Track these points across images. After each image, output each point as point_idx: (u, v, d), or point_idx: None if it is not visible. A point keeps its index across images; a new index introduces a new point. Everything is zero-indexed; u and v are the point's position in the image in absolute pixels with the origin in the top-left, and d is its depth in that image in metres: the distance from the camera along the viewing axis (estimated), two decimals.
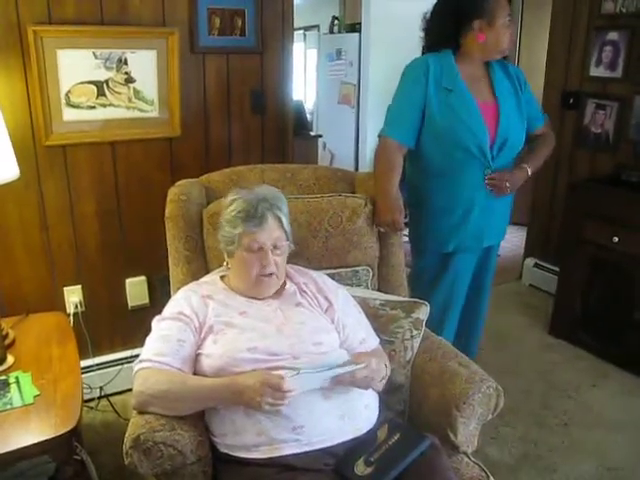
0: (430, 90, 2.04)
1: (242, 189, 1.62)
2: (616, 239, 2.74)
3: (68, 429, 1.45)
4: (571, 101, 3.41)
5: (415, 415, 1.70)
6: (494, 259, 2.42)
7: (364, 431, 1.45)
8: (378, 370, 1.51)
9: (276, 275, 1.57)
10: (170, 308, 1.55)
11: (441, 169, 2.11)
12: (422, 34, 2.20)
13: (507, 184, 2.12)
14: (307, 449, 1.36)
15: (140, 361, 1.44)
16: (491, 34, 2.04)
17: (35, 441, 1.42)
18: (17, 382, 1.65)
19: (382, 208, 2.01)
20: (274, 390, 1.30)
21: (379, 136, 2.15)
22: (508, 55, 2.20)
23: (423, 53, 2.19)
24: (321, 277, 1.71)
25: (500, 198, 2.17)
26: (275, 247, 1.55)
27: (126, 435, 1.35)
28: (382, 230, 2.03)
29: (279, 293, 1.61)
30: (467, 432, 1.59)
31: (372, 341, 1.65)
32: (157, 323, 1.53)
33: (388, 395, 1.67)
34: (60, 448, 1.48)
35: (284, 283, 1.64)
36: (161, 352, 1.43)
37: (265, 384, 1.30)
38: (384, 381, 1.58)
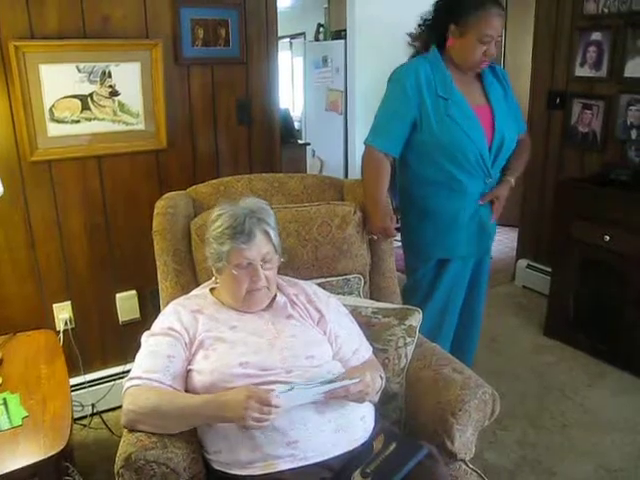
0: (425, 101, 2.00)
1: (227, 203, 1.59)
2: (607, 238, 2.74)
3: (57, 450, 1.43)
4: (557, 101, 3.42)
5: (411, 423, 1.68)
6: (488, 262, 2.41)
7: (360, 443, 1.43)
8: (373, 383, 1.48)
9: (267, 288, 1.55)
10: (159, 323, 1.53)
11: (444, 179, 2.08)
12: (417, 28, 2.18)
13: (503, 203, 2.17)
14: (303, 464, 1.34)
15: (130, 379, 1.42)
16: (458, 43, 2.00)
17: (24, 464, 1.40)
18: (5, 404, 1.62)
19: (373, 215, 1.99)
20: (262, 404, 1.27)
21: (365, 143, 2.12)
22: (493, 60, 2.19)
23: (415, 49, 2.17)
24: (311, 287, 1.69)
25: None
26: (264, 261, 1.53)
27: (117, 454, 1.33)
28: (375, 238, 2.01)
29: (270, 305, 1.59)
30: (464, 439, 1.57)
31: (365, 351, 1.63)
32: (146, 339, 1.51)
33: (383, 404, 1.64)
34: (50, 470, 1.45)
35: (274, 295, 1.61)
36: (151, 369, 1.41)
37: (252, 398, 1.28)
38: (379, 393, 1.56)
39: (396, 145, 2.08)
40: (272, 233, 1.55)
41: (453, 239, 2.18)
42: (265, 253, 1.52)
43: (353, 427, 1.44)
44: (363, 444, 1.43)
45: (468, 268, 2.29)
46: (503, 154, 2.12)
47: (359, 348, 1.61)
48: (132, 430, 1.37)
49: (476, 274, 2.34)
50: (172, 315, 1.53)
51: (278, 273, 1.63)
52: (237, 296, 1.54)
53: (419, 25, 2.16)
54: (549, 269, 3.33)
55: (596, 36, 3.13)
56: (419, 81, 2.01)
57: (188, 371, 1.45)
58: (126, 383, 1.42)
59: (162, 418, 1.36)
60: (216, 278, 1.60)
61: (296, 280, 1.72)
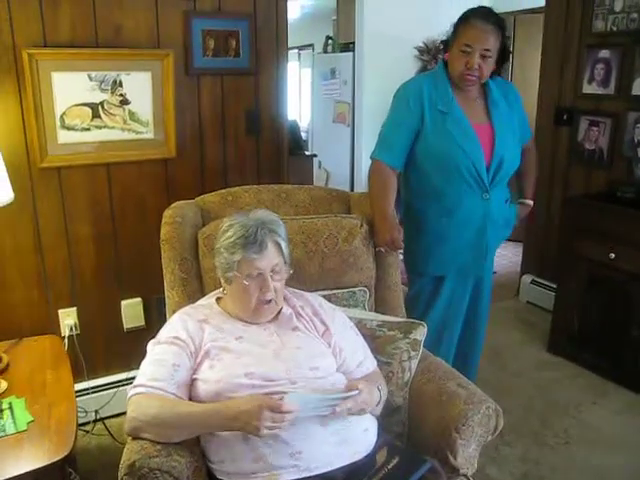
0: (425, 114, 2.05)
1: (238, 214, 1.60)
2: (612, 255, 2.74)
3: (61, 456, 1.43)
4: (565, 118, 3.43)
5: (414, 437, 1.68)
6: (490, 277, 2.40)
7: (363, 455, 1.43)
8: (371, 396, 1.47)
9: (275, 301, 1.55)
10: (165, 332, 1.54)
11: (438, 193, 2.11)
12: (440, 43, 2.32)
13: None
14: (305, 475, 1.34)
15: (134, 386, 1.43)
16: (449, 55, 2.08)
17: (27, 469, 1.40)
18: (10, 408, 1.63)
19: (380, 228, 2.00)
20: (273, 412, 1.27)
21: (371, 158, 2.16)
22: (501, 74, 2.20)
23: (423, 62, 2.24)
24: (317, 299, 1.70)
25: (497, 224, 2.19)
26: (274, 272, 1.53)
27: (121, 461, 1.33)
28: (383, 250, 2.02)
29: (275, 317, 1.59)
30: (467, 454, 1.56)
31: (370, 364, 1.63)
32: (152, 347, 1.51)
33: (386, 417, 1.65)
34: (53, 476, 1.45)
35: (280, 307, 1.61)
36: (155, 377, 1.41)
37: (263, 407, 1.28)
38: (381, 405, 1.56)
39: (401, 159, 2.12)
40: (283, 244, 1.56)
41: (442, 257, 2.19)
42: (275, 264, 1.53)
43: (356, 439, 1.44)
44: (366, 456, 1.43)
45: (467, 284, 2.29)
46: (502, 175, 2.13)
47: (363, 361, 1.62)
48: (136, 437, 1.38)
49: (477, 289, 2.33)
50: (178, 324, 1.54)
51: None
52: (246, 307, 1.54)
53: (441, 42, 2.23)
54: (554, 285, 3.33)
55: (604, 54, 3.15)
56: (421, 95, 2.06)
57: (193, 380, 1.46)
58: (130, 391, 1.43)
59: (163, 426, 1.36)
60: (224, 288, 1.60)
61: (302, 292, 1.73)
